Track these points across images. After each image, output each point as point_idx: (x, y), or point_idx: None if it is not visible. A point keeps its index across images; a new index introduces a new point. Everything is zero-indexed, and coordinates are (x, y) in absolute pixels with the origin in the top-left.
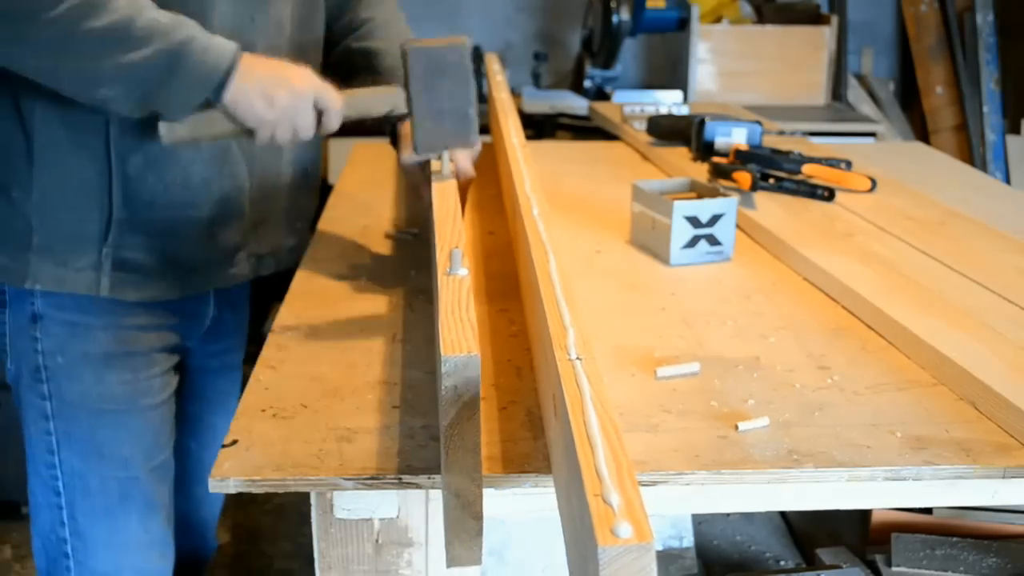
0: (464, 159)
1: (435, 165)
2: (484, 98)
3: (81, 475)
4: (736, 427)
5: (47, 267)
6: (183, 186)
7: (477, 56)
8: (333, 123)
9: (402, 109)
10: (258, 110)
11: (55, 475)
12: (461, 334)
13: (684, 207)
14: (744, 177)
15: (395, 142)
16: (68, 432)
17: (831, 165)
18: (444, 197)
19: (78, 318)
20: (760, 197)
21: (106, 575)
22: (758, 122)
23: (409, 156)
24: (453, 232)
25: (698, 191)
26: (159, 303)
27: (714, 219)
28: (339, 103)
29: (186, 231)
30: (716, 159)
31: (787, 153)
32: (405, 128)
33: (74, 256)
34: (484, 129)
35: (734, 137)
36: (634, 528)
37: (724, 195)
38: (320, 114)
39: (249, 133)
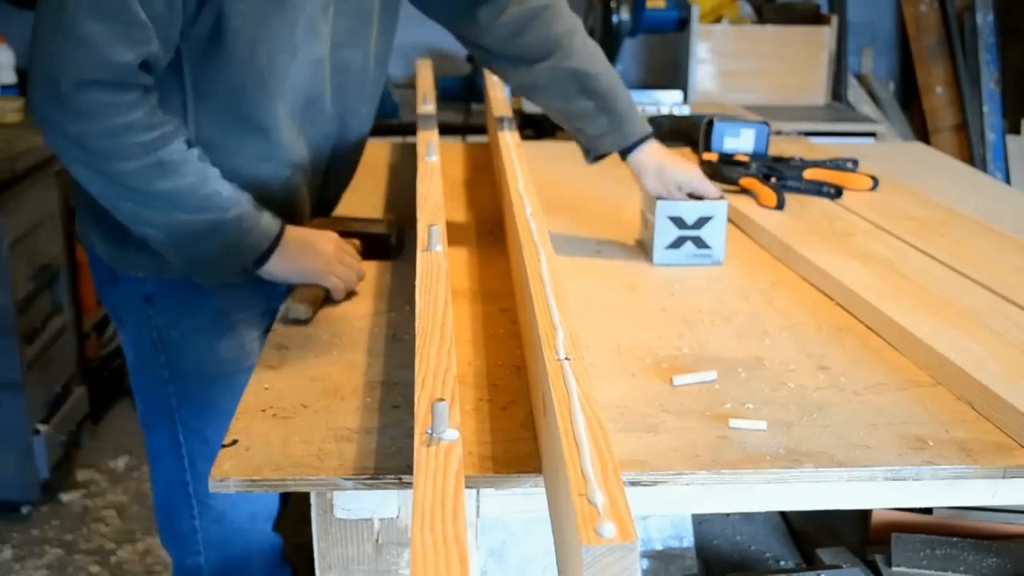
0: None
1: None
2: (482, 98)
3: (198, 429)
4: (733, 427)
5: (146, 257)
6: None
7: None
8: (353, 283)
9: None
10: (292, 280)
11: (176, 429)
12: None
13: (667, 207)
14: (765, 192)
15: None
16: (184, 394)
17: (837, 167)
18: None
19: (187, 296)
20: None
21: (222, 508)
22: (765, 123)
23: None
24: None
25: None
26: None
27: (701, 221)
28: (355, 269)
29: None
30: (707, 156)
31: (788, 160)
32: None
33: None
34: (481, 129)
35: (743, 138)
36: (618, 528)
37: (721, 198)
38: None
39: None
